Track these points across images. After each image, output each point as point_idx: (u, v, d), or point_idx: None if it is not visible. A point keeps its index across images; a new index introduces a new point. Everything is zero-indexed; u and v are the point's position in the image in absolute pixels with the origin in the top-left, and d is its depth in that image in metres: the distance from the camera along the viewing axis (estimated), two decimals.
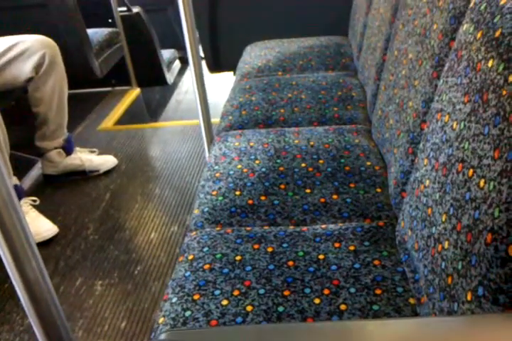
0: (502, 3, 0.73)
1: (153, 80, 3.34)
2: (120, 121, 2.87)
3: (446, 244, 0.73)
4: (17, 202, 0.76)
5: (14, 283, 0.81)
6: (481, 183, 0.66)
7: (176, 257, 1.68)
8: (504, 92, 0.65)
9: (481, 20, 0.77)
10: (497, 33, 0.70)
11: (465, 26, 0.83)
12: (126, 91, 3.24)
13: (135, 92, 3.24)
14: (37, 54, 1.99)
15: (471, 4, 0.84)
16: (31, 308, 0.82)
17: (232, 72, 2.69)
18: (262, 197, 1.20)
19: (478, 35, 0.76)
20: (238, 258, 1.00)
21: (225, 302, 0.89)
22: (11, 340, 1.45)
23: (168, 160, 2.35)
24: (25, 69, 1.98)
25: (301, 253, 1.00)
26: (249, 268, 0.97)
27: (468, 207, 0.68)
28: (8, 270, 0.80)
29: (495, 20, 0.72)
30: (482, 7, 0.78)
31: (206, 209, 1.19)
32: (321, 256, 0.99)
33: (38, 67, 2.00)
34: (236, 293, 0.91)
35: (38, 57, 1.99)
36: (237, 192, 1.22)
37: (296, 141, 1.43)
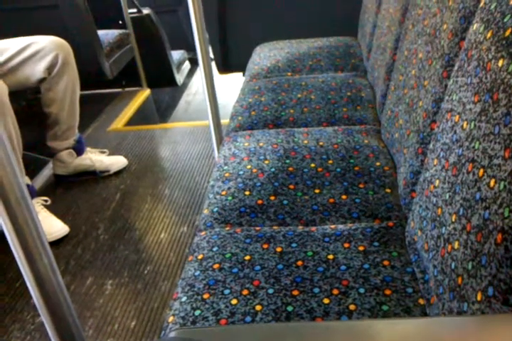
0: None
1: (163, 81, 3.35)
2: (130, 122, 2.88)
3: (456, 244, 0.73)
4: (30, 200, 0.77)
5: (26, 280, 0.82)
6: (492, 183, 0.65)
7: (185, 257, 1.68)
8: None
9: (491, 19, 0.77)
10: (507, 33, 0.70)
11: (475, 26, 0.83)
12: (136, 92, 3.25)
13: (145, 93, 3.25)
14: (50, 55, 2.00)
15: (481, 4, 0.83)
16: (43, 306, 0.83)
17: (241, 73, 2.70)
18: (272, 197, 1.21)
19: (488, 34, 0.76)
20: (247, 257, 1.00)
21: (234, 301, 0.90)
22: (22, 338, 1.46)
23: (177, 161, 2.36)
24: (38, 69, 2.00)
25: (310, 253, 1.00)
26: (258, 267, 0.97)
27: (478, 207, 0.68)
28: (21, 268, 0.81)
29: (505, 20, 0.72)
30: (492, 6, 0.78)
31: (216, 209, 1.20)
32: (330, 256, 0.99)
33: (51, 67, 2.02)
34: (245, 292, 0.91)
35: (51, 58, 2.00)
36: (247, 192, 1.23)
37: (306, 142, 1.43)
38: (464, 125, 0.78)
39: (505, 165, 0.63)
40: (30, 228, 0.76)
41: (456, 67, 0.89)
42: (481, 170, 0.69)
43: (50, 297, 0.82)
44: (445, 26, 1.01)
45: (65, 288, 0.86)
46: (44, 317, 0.85)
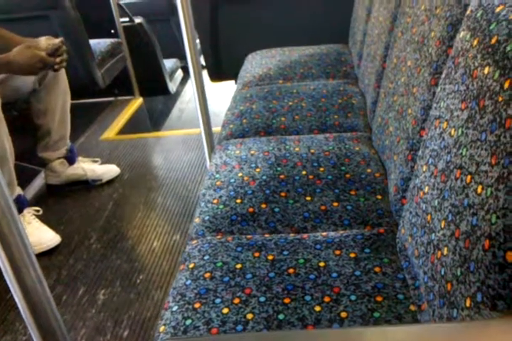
0: (498, 10, 0.74)
1: (156, 90, 3.36)
2: (123, 131, 2.88)
3: (445, 251, 0.73)
4: (16, 212, 0.76)
5: (13, 293, 0.81)
6: (479, 189, 0.66)
7: (178, 266, 1.68)
8: (500, 99, 0.65)
9: (477, 27, 0.77)
10: (493, 40, 0.71)
11: (462, 34, 0.84)
12: (128, 101, 3.25)
13: (138, 102, 3.25)
14: None
15: (468, 12, 0.84)
16: (30, 318, 0.82)
17: (233, 81, 2.71)
18: (263, 205, 1.21)
19: (475, 42, 0.77)
20: (239, 266, 1.00)
21: (225, 310, 0.89)
22: None
23: (170, 169, 2.36)
24: (28, 80, 2.00)
25: (301, 261, 1.00)
26: (249, 276, 0.97)
27: (466, 213, 0.68)
28: (7, 280, 0.80)
29: (491, 28, 0.73)
30: (478, 14, 0.78)
31: (207, 218, 1.19)
32: (322, 264, 0.99)
33: (41, 79, 2.02)
34: (236, 301, 0.91)
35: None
36: (238, 200, 1.23)
37: (297, 149, 1.44)
38: (452, 132, 0.78)
39: (492, 172, 0.63)
40: (17, 240, 0.76)
41: (443, 75, 0.90)
42: (469, 177, 0.69)
43: (38, 309, 0.81)
44: (433, 34, 1.02)
45: (53, 300, 0.86)
46: (31, 330, 0.84)
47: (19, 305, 0.82)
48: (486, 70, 0.71)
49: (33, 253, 0.80)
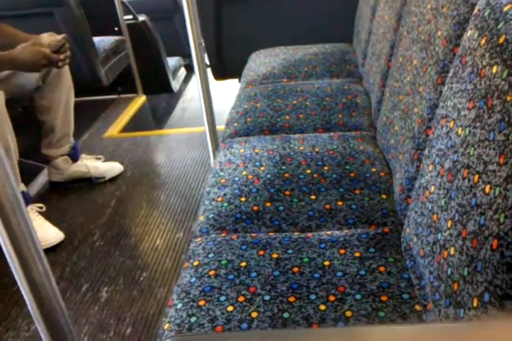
0: (506, 9, 0.74)
1: (159, 88, 3.36)
2: (126, 129, 2.88)
3: (451, 250, 0.73)
4: (25, 208, 0.76)
5: (21, 288, 0.81)
6: (487, 189, 0.66)
7: (182, 263, 1.68)
8: (509, 98, 0.65)
9: (485, 26, 0.77)
10: (501, 39, 0.70)
11: (469, 32, 0.84)
12: (132, 99, 3.25)
13: (141, 100, 3.25)
14: None
15: (475, 10, 0.84)
16: (38, 314, 0.82)
17: (237, 80, 2.71)
18: (267, 204, 1.20)
19: (483, 41, 0.76)
20: (243, 264, 1.00)
21: (230, 308, 0.89)
22: None
23: (173, 167, 2.36)
24: (32, 77, 2.00)
25: (306, 260, 1.00)
26: (254, 274, 0.97)
27: (473, 213, 0.68)
28: (16, 275, 0.80)
29: (499, 27, 0.73)
30: (486, 13, 0.78)
31: (211, 216, 1.19)
32: (327, 263, 0.99)
33: (44, 76, 2.02)
34: (241, 299, 0.91)
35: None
36: (242, 199, 1.22)
37: (301, 148, 1.43)
38: (459, 131, 0.78)
39: (500, 171, 0.63)
40: (25, 236, 0.76)
41: (450, 74, 0.89)
42: (476, 176, 0.69)
43: (45, 304, 0.81)
44: (440, 33, 1.02)
45: (60, 296, 0.86)
46: (38, 325, 0.85)
47: (26, 300, 0.82)
48: (494, 69, 0.70)
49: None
